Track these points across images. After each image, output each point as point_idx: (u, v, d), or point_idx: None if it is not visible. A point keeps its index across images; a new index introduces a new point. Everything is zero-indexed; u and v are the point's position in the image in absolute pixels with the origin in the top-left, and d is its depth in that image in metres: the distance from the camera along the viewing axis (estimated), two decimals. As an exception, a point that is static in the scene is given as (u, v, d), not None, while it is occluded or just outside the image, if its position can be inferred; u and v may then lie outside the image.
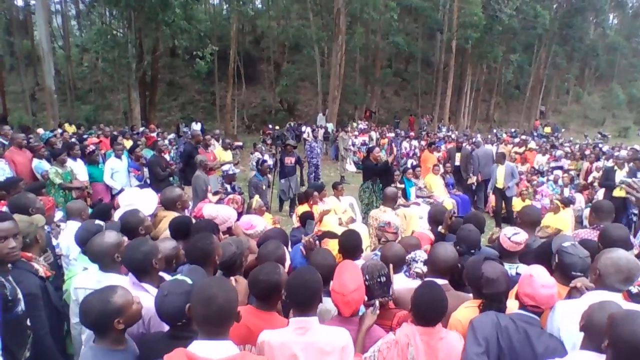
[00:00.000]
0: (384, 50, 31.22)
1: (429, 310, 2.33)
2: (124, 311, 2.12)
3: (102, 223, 3.55)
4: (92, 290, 2.66)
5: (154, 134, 14.22)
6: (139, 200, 4.27)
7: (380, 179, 8.16)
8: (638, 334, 1.69)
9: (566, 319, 2.33)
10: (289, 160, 9.85)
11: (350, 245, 3.50)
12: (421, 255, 3.43)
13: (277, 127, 22.27)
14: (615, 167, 8.99)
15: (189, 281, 2.29)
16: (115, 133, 12.85)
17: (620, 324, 1.76)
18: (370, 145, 9.42)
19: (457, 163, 11.54)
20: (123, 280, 2.67)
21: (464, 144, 12.26)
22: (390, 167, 8.64)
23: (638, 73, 46.95)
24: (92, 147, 8.17)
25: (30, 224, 3.16)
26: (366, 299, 2.69)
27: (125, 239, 3.05)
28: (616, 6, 40.62)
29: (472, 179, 11.25)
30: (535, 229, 4.28)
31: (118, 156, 8.10)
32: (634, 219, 8.14)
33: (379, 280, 2.72)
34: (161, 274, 2.87)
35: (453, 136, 20.93)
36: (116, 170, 7.91)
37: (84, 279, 2.93)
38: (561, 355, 2.15)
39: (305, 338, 2.25)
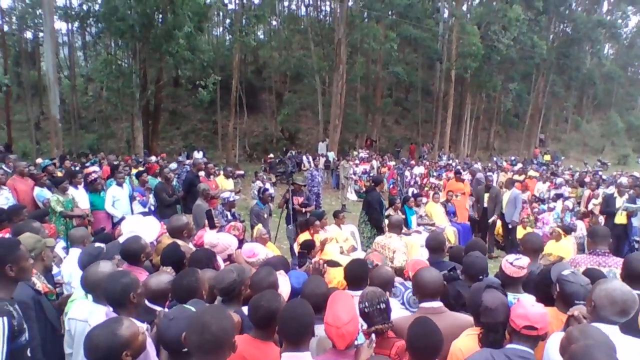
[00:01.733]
0: (384, 79, 31.60)
1: (425, 347, 2.29)
2: (131, 343, 2.08)
3: (103, 245, 3.55)
4: (84, 321, 2.67)
5: (153, 161, 14.29)
6: (141, 227, 4.29)
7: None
8: None
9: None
10: (297, 201, 9.08)
11: (356, 275, 3.43)
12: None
13: (270, 156, 22.39)
14: (616, 195, 9.01)
15: (193, 309, 2.28)
16: (115, 163, 12.92)
17: (577, 357, 1.75)
18: (377, 176, 9.18)
19: (485, 204, 10.20)
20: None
21: (492, 182, 10.79)
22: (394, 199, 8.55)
23: (635, 101, 47.53)
24: (94, 176, 8.22)
25: (38, 240, 3.17)
26: (366, 326, 2.67)
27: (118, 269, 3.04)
28: (611, 37, 41.25)
29: (494, 218, 10.19)
30: (537, 256, 4.26)
31: (119, 184, 8.14)
32: (636, 245, 8.12)
33: (378, 307, 2.70)
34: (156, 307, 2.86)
35: (454, 164, 21.03)
36: (117, 199, 7.93)
37: (76, 309, 2.90)
38: None
39: None
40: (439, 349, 2.34)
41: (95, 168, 11.12)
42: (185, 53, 17.33)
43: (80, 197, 7.48)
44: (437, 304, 2.95)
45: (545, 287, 3.08)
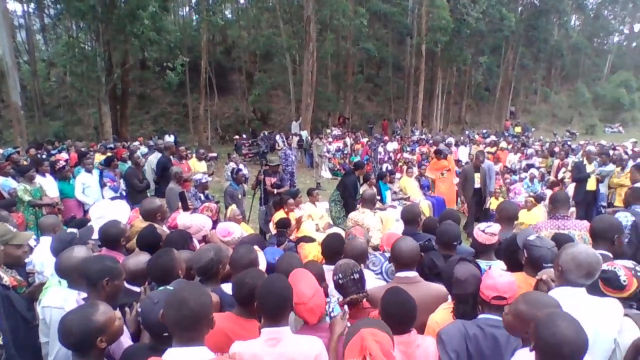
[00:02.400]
0: (355, 56, 31.45)
1: (397, 317, 2.29)
2: (107, 329, 2.05)
3: (75, 231, 3.47)
4: (60, 309, 2.61)
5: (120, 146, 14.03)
6: (110, 212, 4.19)
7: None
8: (557, 335, 1.68)
9: None
10: (269, 182, 8.77)
11: (333, 249, 3.46)
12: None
13: (236, 137, 22.15)
14: (585, 162, 9.25)
15: None
16: (83, 149, 12.60)
17: (542, 325, 1.76)
18: (359, 161, 8.87)
19: (477, 185, 9.33)
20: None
21: (481, 160, 9.31)
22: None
23: (601, 72, 48.58)
24: (62, 163, 8.01)
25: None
26: (341, 297, 2.68)
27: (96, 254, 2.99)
28: (577, 8, 41.90)
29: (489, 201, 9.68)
30: (512, 224, 4.35)
31: (89, 171, 7.97)
32: (603, 210, 8.38)
33: (352, 277, 2.71)
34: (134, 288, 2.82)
35: (426, 138, 21.22)
36: (87, 185, 7.78)
37: (50, 297, 2.83)
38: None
39: (277, 349, 2.18)
40: (412, 317, 2.35)
41: (64, 155, 10.86)
42: (150, 34, 16.88)
43: (48, 185, 7.30)
44: (412, 273, 2.98)
45: (512, 253, 3.14)
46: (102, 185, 8.21)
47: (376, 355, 1.79)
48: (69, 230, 3.47)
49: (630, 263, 2.69)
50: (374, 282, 3.25)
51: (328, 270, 3.08)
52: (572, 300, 2.25)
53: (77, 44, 18.92)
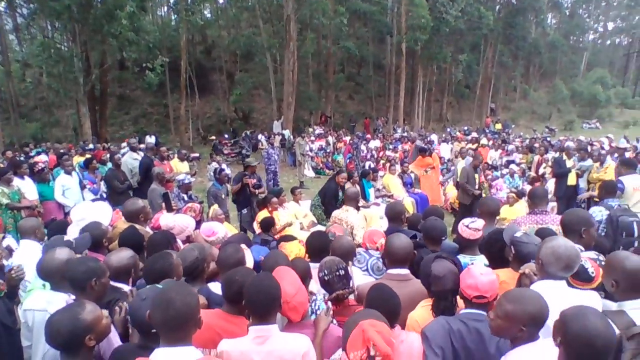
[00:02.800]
0: (335, 55, 31.47)
1: (383, 312, 2.28)
2: (95, 327, 2.06)
3: (70, 238, 3.42)
4: (43, 311, 2.57)
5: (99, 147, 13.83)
6: (92, 214, 4.13)
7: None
8: (589, 329, 1.69)
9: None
10: (250, 182, 8.47)
11: (317, 247, 3.47)
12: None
13: (212, 138, 21.89)
14: (565, 158, 9.41)
15: None
16: (62, 151, 12.40)
17: (571, 320, 1.76)
18: (341, 169, 8.70)
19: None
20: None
21: (479, 161, 9.38)
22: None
23: (578, 69, 49.54)
24: (41, 165, 7.86)
25: None
26: (327, 295, 2.69)
27: (78, 256, 2.94)
28: (553, 6, 42.70)
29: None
30: (494, 219, 4.42)
31: (68, 172, 7.83)
32: (583, 205, 8.53)
33: (337, 273, 2.73)
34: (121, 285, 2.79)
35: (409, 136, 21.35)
36: (67, 187, 7.64)
37: (32, 300, 2.79)
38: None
39: (265, 347, 2.20)
40: (396, 313, 2.37)
41: (43, 157, 10.68)
42: (129, 34, 16.63)
43: (27, 188, 7.14)
44: (404, 271, 2.99)
45: (494, 248, 3.19)
46: (83, 187, 8.09)
47: (379, 344, 1.81)
48: (66, 238, 3.40)
49: (593, 254, 2.77)
50: (361, 279, 3.26)
51: (313, 268, 3.09)
52: (554, 293, 2.28)
53: (53, 45, 18.55)
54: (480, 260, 3.38)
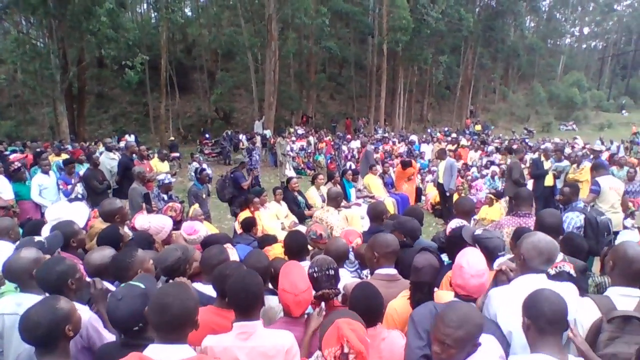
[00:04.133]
0: (317, 55, 31.48)
1: (364, 310, 2.32)
2: (71, 317, 2.04)
3: (41, 238, 3.33)
4: (14, 314, 2.51)
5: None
6: (68, 214, 4.04)
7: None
8: (542, 301, 1.96)
9: (502, 306, 2.40)
10: (247, 186, 8.60)
11: (296, 246, 3.47)
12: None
13: (171, 138, 21.66)
14: (542, 159, 9.57)
15: (142, 286, 2.22)
16: (39, 150, 12.13)
17: (530, 298, 2.02)
18: (293, 178, 8.76)
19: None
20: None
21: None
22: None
23: (555, 72, 50.51)
24: (17, 164, 7.68)
25: None
26: (314, 292, 2.69)
27: (47, 256, 2.88)
28: (531, 10, 43.46)
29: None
30: (469, 217, 4.47)
31: (45, 172, 7.66)
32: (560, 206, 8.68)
33: (327, 272, 2.72)
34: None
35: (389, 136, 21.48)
36: (45, 187, 7.47)
37: (1, 303, 2.69)
38: (494, 334, 2.23)
39: (249, 343, 2.21)
40: (379, 311, 2.40)
41: (18, 156, 10.45)
42: (107, 31, 16.37)
43: (2, 187, 6.98)
44: (393, 271, 3.01)
45: (455, 246, 3.16)
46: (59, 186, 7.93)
47: (353, 341, 1.83)
48: (37, 239, 3.32)
49: (561, 255, 2.85)
50: (349, 280, 3.26)
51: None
52: (537, 286, 2.32)
53: (28, 40, 18.18)
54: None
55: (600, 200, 6.22)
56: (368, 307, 2.34)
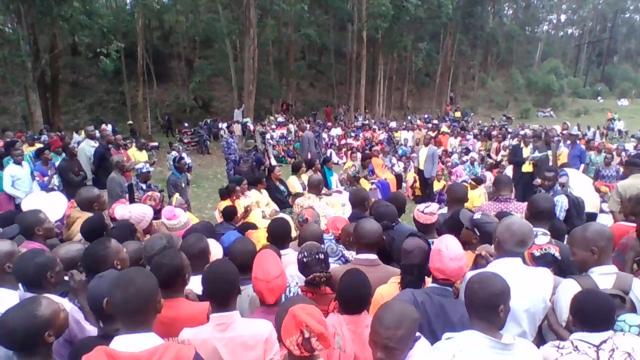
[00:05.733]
0: (296, 42, 31.27)
1: (353, 298, 2.35)
2: (53, 322, 1.95)
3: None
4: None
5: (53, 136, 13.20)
6: (45, 205, 3.92)
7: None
8: (482, 283, 2.01)
9: None
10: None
11: (280, 233, 3.47)
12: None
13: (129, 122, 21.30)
14: (522, 145, 9.64)
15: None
16: (13, 139, 11.78)
17: (473, 285, 2.05)
18: (273, 165, 8.84)
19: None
20: (13, 295, 2.43)
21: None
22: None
23: (533, 59, 51.08)
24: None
25: None
26: (301, 282, 2.68)
27: (22, 249, 2.78)
28: (509, -3, 44.04)
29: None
30: (462, 205, 4.43)
31: (18, 162, 7.42)
32: (542, 191, 8.77)
33: (317, 257, 2.76)
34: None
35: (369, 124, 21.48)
36: (18, 178, 7.25)
37: None
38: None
39: (227, 334, 2.19)
40: (366, 299, 2.41)
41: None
42: (80, 17, 15.95)
43: (-28, 178, 6.77)
44: (373, 256, 3.01)
45: (453, 230, 3.18)
46: (33, 178, 7.71)
47: (312, 325, 1.80)
48: None
49: (546, 237, 2.86)
50: (334, 267, 3.25)
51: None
52: (509, 270, 2.37)
53: (-4, 26, 17.60)
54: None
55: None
56: (357, 295, 2.36)
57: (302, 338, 1.79)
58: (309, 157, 11.56)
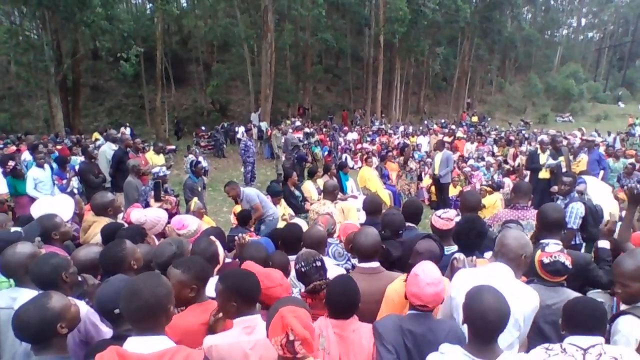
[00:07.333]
0: (313, 46, 31.31)
1: (342, 304, 2.38)
2: (65, 315, 2.06)
3: (19, 229, 3.31)
4: (9, 309, 2.50)
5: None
6: (52, 208, 4.00)
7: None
8: (483, 304, 1.94)
9: (461, 288, 2.36)
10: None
11: (291, 238, 3.51)
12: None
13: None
14: (539, 151, 9.54)
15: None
16: (35, 142, 12.02)
17: (470, 299, 2.01)
18: (294, 173, 8.93)
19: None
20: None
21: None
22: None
23: (552, 63, 50.45)
24: (12, 164, 7.53)
25: None
26: (302, 288, 2.70)
27: (42, 251, 2.87)
28: (528, 1, 43.35)
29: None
30: (475, 213, 4.42)
31: (40, 165, 7.59)
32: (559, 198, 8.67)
33: (314, 265, 2.78)
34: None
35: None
36: (40, 181, 7.41)
37: None
38: (460, 336, 2.27)
39: (254, 336, 2.23)
40: (354, 305, 2.42)
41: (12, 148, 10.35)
42: (102, 23, 16.22)
43: (-4, 181, 6.94)
44: (375, 264, 3.02)
45: (467, 235, 3.20)
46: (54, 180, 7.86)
47: (297, 329, 1.84)
48: (13, 229, 3.30)
49: (558, 247, 2.84)
50: (333, 269, 3.27)
51: (290, 260, 3.14)
52: (500, 278, 2.43)
53: (21, 32, 17.98)
54: (453, 250, 3.40)
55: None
56: (345, 301, 2.39)
57: (286, 340, 1.84)
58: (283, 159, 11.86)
